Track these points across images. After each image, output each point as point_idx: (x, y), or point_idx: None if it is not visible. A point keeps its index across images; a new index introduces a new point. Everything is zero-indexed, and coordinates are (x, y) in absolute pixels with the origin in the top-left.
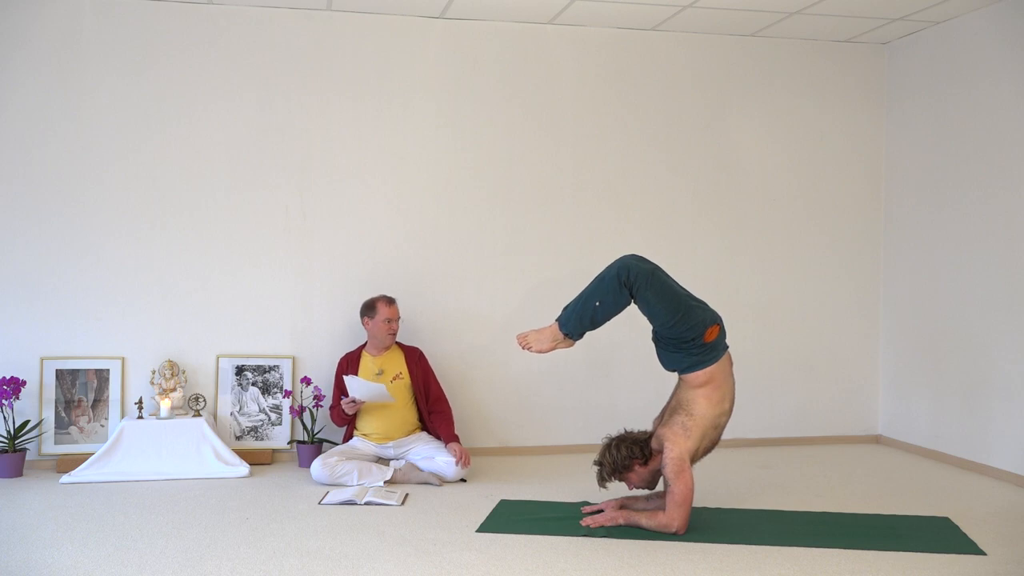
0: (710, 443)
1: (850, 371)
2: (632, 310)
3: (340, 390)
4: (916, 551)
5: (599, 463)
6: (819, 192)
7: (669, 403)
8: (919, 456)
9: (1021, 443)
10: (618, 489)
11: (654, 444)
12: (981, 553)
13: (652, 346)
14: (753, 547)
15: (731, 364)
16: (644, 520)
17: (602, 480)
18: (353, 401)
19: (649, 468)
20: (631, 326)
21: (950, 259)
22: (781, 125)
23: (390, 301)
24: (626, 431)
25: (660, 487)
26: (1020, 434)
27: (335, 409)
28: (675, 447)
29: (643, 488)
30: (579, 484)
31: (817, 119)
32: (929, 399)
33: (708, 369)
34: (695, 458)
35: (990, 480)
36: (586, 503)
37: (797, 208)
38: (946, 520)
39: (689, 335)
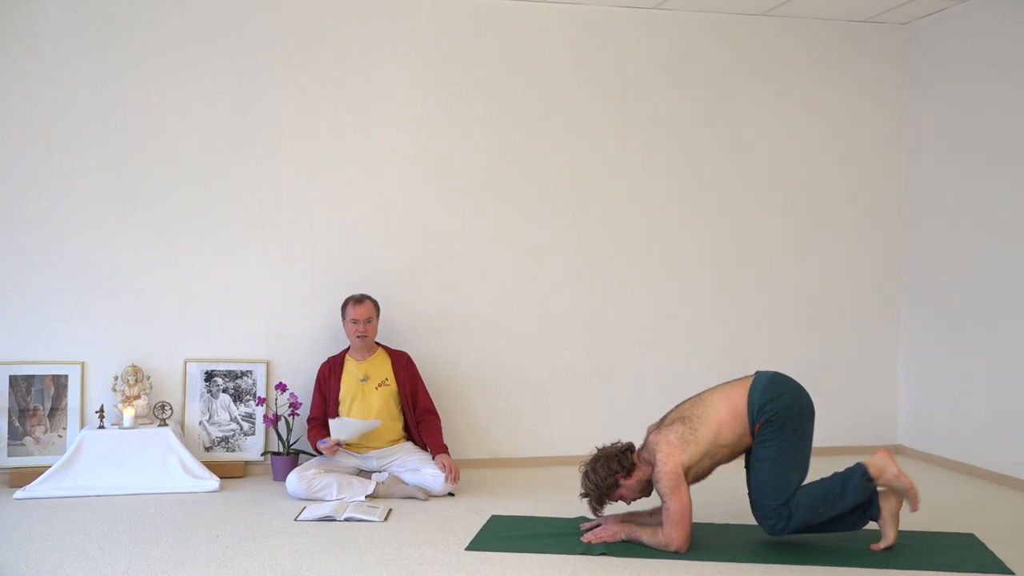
0: (701, 472)
1: (868, 375)
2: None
3: (322, 397)
4: (938, 570)
5: (585, 494)
6: (836, 183)
7: (673, 413)
8: (942, 467)
9: None
10: (618, 508)
11: (644, 454)
12: (1009, 572)
13: (653, 351)
14: (764, 566)
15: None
16: (646, 537)
17: (595, 509)
18: (338, 443)
19: (636, 479)
20: (631, 331)
21: (979, 255)
22: (794, 111)
23: (358, 300)
24: (597, 449)
25: None
26: None
27: (313, 431)
28: (669, 460)
29: (639, 498)
30: (576, 498)
31: (833, 104)
32: (953, 406)
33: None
34: (688, 477)
35: (1019, 494)
36: (584, 518)
37: (812, 200)
38: (971, 536)
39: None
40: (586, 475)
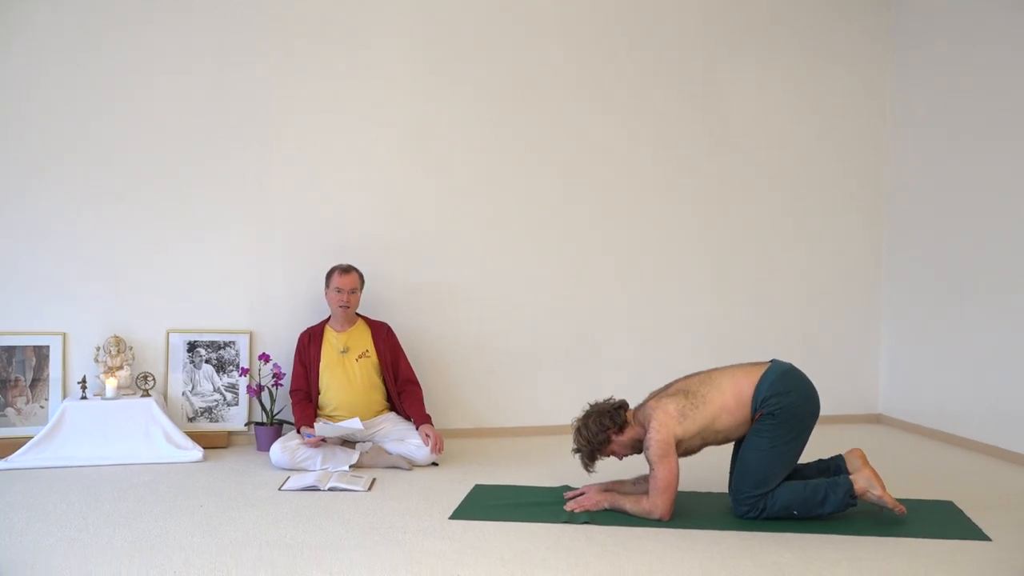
0: (690, 448)
1: (849, 345)
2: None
3: (303, 367)
4: (917, 537)
5: (577, 450)
6: (821, 157)
7: (679, 383)
8: (922, 436)
9: None
10: (609, 472)
11: (640, 415)
12: (986, 539)
13: (638, 320)
14: (745, 533)
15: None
16: (629, 505)
17: (587, 465)
18: (322, 440)
19: (628, 436)
20: (615, 302)
21: (960, 225)
22: (778, 83)
23: (345, 270)
24: (590, 404)
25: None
26: None
27: (297, 405)
28: (663, 429)
29: (630, 454)
30: (559, 467)
31: (817, 76)
32: (934, 375)
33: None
34: (677, 451)
35: (997, 462)
36: (567, 487)
37: (797, 173)
38: (950, 504)
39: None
40: (578, 431)
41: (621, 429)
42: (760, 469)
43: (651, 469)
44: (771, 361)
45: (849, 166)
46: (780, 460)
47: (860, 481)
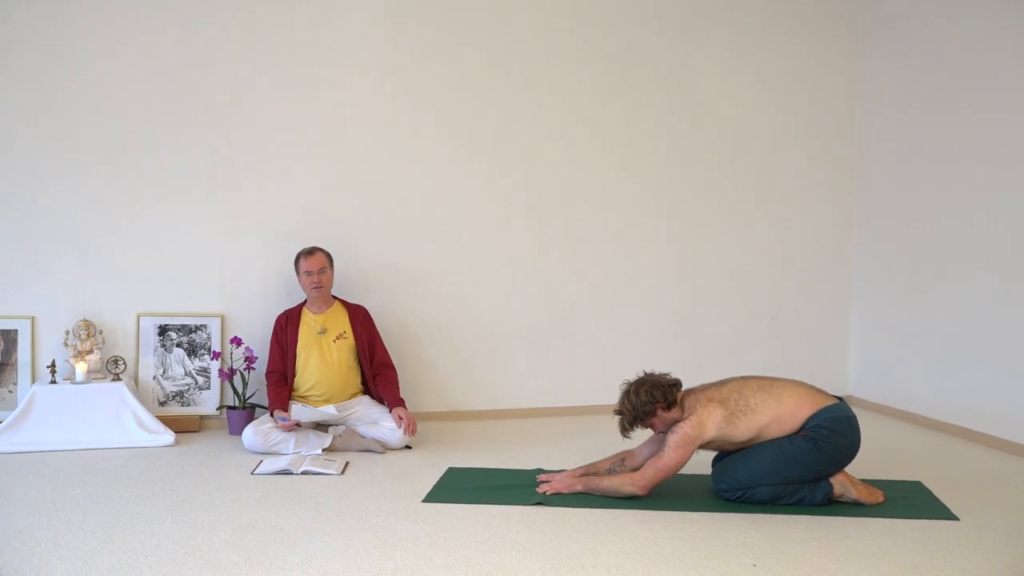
0: (721, 447)
1: (820, 327)
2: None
3: (280, 348)
4: (886, 517)
5: (619, 412)
6: (789, 140)
7: (736, 384)
8: (891, 417)
9: (997, 404)
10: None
11: (687, 401)
12: (954, 519)
13: (611, 303)
14: (716, 514)
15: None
16: (606, 482)
17: (624, 430)
18: (296, 424)
19: (672, 415)
20: (588, 285)
21: (928, 208)
22: (749, 63)
23: (310, 252)
24: (646, 373)
25: (636, 460)
26: (997, 395)
27: (273, 386)
28: (699, 427)
29: (666, 432)
30: (532, 450)
31: (788, 56)
32: (903, 357)
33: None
34: (707, 447)
35: (965, 443)
36: (540, 470)
37: (766, 154)
38: (918, 484)
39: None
40: (627, 394)
41: (669, 407)
42: (767, 466)
43: (664, 449)
44: (840, 399)
45: (820, 149)
46: (788, 472)
47: (836, 487)
